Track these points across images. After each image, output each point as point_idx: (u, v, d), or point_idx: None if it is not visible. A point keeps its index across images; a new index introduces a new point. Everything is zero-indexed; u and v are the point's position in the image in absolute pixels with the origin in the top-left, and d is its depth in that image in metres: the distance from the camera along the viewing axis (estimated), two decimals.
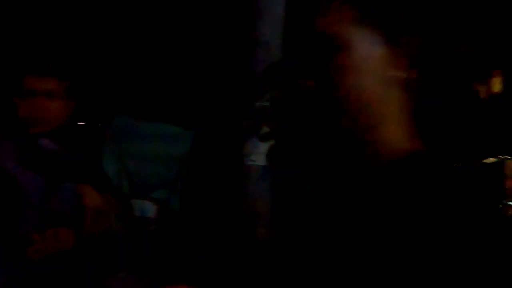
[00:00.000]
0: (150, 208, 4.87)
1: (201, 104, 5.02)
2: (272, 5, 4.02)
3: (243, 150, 4.12)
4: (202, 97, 5.01)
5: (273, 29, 4.17)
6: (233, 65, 4.73)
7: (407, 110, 1.76)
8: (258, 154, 4.11)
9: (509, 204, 2.41)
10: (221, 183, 4.64)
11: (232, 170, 4.31)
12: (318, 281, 1.80)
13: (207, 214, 4.82)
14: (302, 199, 3.53)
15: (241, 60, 4.35)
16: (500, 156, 2.35)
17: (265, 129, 4.08)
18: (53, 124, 3.49)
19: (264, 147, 4.08)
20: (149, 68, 5.23)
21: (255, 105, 4.10)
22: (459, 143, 2.72)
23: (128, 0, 4.93)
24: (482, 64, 3.01)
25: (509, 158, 2.35)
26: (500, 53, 3.10)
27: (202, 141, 5.04)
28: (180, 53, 5.07)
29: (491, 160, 2.45)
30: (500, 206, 2.36)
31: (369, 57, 1.71)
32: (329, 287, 1.73)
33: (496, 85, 3.05)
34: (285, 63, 3.98)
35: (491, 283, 1.60)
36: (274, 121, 4.00)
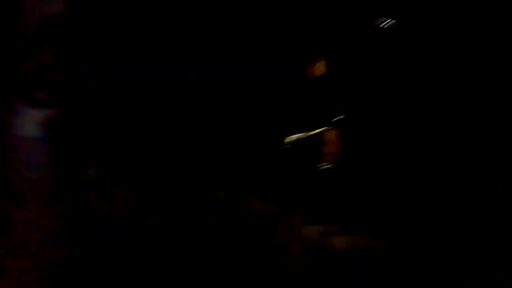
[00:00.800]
0: None
1: None
2: None
3: (9, 118, 3.58)
4: None
5: None
6: None
7: None
8: (30, 123, 3.60)
9: (326, 166, 2.56)
10: None
11: None
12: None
13: None
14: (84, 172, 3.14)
15: (8, 17, 3.73)
16: (322, 127, 2.49)
17: (39, 96, 3.58)
18: None
19: (37, 115, 3.58)
20: None
21: (26, 69, 3.57)
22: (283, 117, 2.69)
23: None
24: (310, 47, 2.98)
25: (328, 128, 2.51)
26: (325, 36, 3.07)
27: None
28: None
29: (316, 130, 2.60)
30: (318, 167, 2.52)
31: None
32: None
33: (322, 66, 3.04)
34: (59, 23, 3.49)
35: None
36: (50, 86, 3.53)
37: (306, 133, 2.77)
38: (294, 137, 2.79)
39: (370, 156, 2.76)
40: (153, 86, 3.15)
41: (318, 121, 2.81)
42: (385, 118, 2.71)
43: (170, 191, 2.92)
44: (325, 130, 2.71)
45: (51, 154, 3.46)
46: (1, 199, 3.39)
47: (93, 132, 3.35)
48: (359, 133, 2.76)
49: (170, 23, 3.06)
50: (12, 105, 3.53)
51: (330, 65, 2.94)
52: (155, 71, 3.09)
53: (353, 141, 2.75)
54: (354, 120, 2.76)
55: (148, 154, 3.04)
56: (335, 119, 2.79)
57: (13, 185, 3.40)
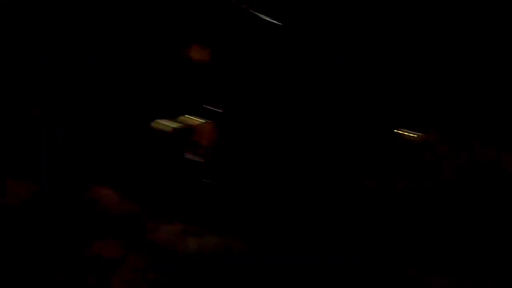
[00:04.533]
0: None
1: None
2: None
3: None
4: None
5: None
6: None
7: None
8: None
9: (190, 158, 2.36)
10: None
11: None
12: None
13: None
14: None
15: None
16: (188, 116, 2.35)
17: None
18: None
19: None
20: None
21: None
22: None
23: None
24: (184, 33, 2.81)
25: (195, 119, 2.34)
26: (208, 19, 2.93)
27: None
28: None
29: (188, 118, 2.42)
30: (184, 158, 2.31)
31: None
32: None
33: (201, 51, 2.85)
34: None
35: None
36: None
37: (176, 120, 2.54)
38: (161, 123, 2.54)
39: (241, 151, 2.58)
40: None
41: (192, 109, 2.60)
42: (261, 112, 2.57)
43: None
44: (198, 119, 2.51)
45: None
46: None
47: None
48: (233, 126, 2.60)
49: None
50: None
51: (210, 51, 2.76)
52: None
53: (226, 134, 2.58)
54: (231, 112, 2.60)
55: None
56: (210, 108, 2.61)
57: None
